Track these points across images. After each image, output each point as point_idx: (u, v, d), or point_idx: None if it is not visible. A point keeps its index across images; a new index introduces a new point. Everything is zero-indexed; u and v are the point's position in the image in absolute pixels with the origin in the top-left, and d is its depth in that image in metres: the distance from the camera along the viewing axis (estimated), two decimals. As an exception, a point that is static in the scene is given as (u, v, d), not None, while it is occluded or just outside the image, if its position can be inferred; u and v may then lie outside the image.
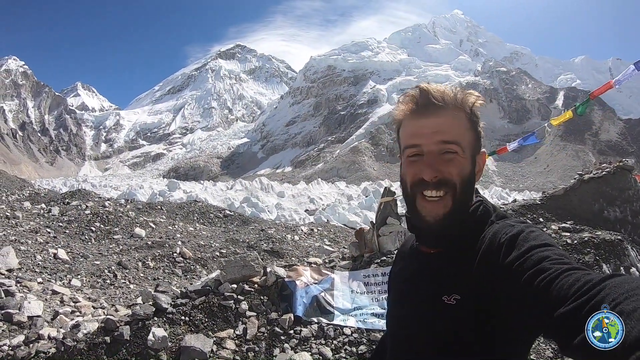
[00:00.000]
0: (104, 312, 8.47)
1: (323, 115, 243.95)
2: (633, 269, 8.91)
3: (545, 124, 5.67)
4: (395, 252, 1.90)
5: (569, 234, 10.03)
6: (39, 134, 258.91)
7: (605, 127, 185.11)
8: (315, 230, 20.60)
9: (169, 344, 5.78)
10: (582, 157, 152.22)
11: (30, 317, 7.35)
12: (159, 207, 21.51)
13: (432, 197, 1.33)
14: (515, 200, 13.61)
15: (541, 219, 11.23)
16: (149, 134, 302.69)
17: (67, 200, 18.92)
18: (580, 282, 0.92)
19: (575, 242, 9.55)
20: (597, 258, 9.07)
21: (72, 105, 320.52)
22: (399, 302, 1.53)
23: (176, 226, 17.85)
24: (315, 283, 7.45)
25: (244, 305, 6.70)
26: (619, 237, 9.76)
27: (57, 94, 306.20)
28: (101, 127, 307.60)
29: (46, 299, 8.69)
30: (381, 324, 6.87)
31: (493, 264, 1.19)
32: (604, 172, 12.12)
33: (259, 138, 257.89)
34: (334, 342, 6.48)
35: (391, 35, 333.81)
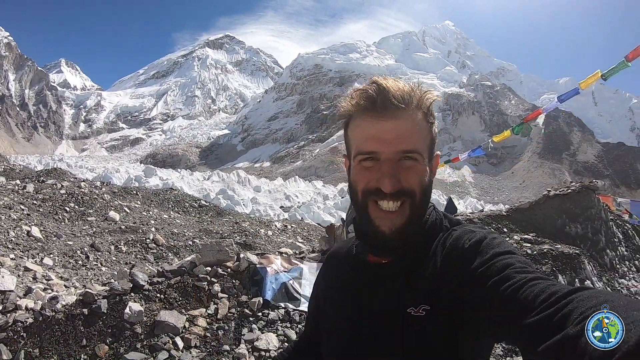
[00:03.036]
0: (76, 292, 8.55)
1: (306, 113, 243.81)
2: (587, 282, 9.38)
3: (489, 140, 6.33)
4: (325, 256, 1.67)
5: (529, 245, 10.48)
6: (18, 109, 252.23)
7: (583, 148, 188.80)
8: (289, 226, 20.69)
9: (144, 318, 6.06)
10: (558, 176, 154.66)
11: (2, 292, 7.40)
12: (135, 192, 21.40)
13: (389, 208, 1.25)
14: (482, 210, 13.93)
15: (505, 229, 11.62)
16: (129, 118, 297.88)
17: (42, 178, 18.74)
18: (546, 293, 0.93)
19: (535, 252, 9.97)
20: (554, 269, 9.51)
21: (54, 82, 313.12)
22: (341, 315, 1.43)
23: (151, 212, 17.81)
24: (285, 271, 7.82)
25: (217, 287, 7.04)
26: (577, 251, 10.24)
27: (39, 68, 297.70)
28: (81, 106, 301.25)
29: (19, 275, 8.75)
30: None
31: (458, 271, 1.17)
32: (569, 190, 12.56)
33: (239, 131, 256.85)
34: (299, 326, 6.88)
35: (381, 39, 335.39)
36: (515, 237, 11.04)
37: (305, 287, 7.75)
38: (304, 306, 7.27)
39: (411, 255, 1.30)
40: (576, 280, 9.62)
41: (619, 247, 12.73)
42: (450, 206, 20.85)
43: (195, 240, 14.42)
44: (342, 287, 1.47)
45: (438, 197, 53.78)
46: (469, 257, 1.17)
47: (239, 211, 28.84)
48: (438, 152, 1.37)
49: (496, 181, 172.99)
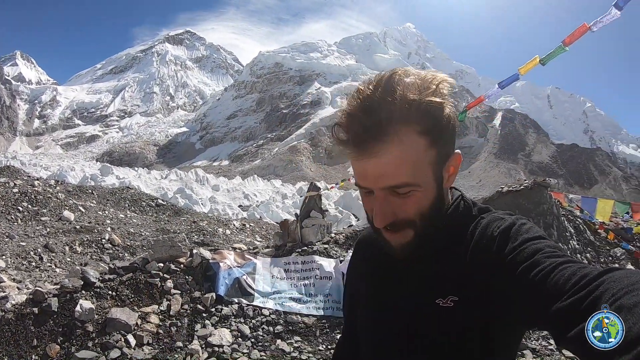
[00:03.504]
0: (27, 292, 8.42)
1: (265, 111, 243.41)
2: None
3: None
4: (356, 242, 1.35)
5: None
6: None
7: (538, 149, 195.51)
8: (248, 225, 20.64)
9: (96, 316, 6.05)
10: (514, 175, 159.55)
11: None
12: (90, 191, 21.00)
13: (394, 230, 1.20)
14: None
15: None
16: (85, 114, 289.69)
17: (-6, 176, 18.06)
18: (577, 276, 0.91)
19: None
20: None
21: (8, 75, 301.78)
22: (370, 307, 1.43)
23: (106, 212, 17.54)
24: (238, 266, 7.90)
25: (169, 284, 7.07)
26: None
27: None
28: (36, 101, 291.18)
29: (-31, 276, 8.49)
30: (298, 307, 7.53)
31: (487, 259, 1.13)
32: (522, 187, 12.79)
33: (198, 129, 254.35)
34: (253, 321, 7.01)
35: (342, 39, 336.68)
36: None
37: (259, 282, 7.82)
38: (258, 301, 7.42)
39: (438, 247, 1.25)
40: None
41: (571, 241, 13.00)
42: None
43: (152, 239, 14.10)
44: (370, 278, 1.44)
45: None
46: (497, 244, 1.13)
47: (197, 210, 28.60)
48: (456, 151, 1.21)
49: (455, 181, 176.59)
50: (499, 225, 1.17)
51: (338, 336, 6.87)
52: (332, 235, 9.97)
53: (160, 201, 23.00)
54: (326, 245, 9.28)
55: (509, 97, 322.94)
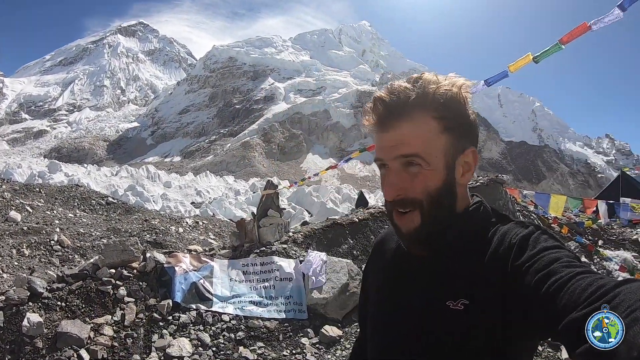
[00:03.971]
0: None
1: (218, 106, 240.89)
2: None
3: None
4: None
5: None
6: None
7: (488, 146, 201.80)
8: (201, 223, 20.35)
9: (45, 330, 5.70)
10: None
11: None
12: (38, 189, 20.10)
13: (402, 210, 1.27)
14: None
15: None
16: (33, 108, 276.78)
17: None
18: (593, 287, 0.90)
19: None
20: None
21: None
22: (383, 306, 1.45)
23: (55, 212, 16.84)
24: (195, 270, 7.59)
25: (122, 291, 6.70)
26: None
27: None
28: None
29: None
30: (259, 311, 7.28)
31: (503, 266, 1.15)
32: (478, 183, 13.10)
33: (149, 124, 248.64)
34: (213, 328, 6.72)
35: (297, 35, 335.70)
36: None
37: (217, 286, 7.55)
38: (217, 307, 7.17)
39: (455, 249, 1.28)
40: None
41: None
42: (362, 200, 21.37)
43: (103, 240, 13.75)
44: (385, 278, 1.47)
45: (349, 192, 54.90)
46: (515, 252, 1.14)
47: (148, 208, 28.10)
48: (472, 147, 1.30)
49: None
50: (518, 233, 1.19)
51: (302, 340, 6.85)
52: (291, 234, 9.78)
53: (110, 199, 22.37)
54: (285, 245, 9.07)
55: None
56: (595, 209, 11.54)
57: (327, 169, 9.92)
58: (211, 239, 16.81)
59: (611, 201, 11.29)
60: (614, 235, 14.21)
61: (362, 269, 8.61)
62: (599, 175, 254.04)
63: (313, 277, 7.94)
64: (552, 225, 13.22)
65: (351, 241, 10.05)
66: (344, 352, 6.73)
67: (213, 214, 31.59)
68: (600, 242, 13.23)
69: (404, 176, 1.23)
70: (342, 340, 7.08)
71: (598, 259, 11.40)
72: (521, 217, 14.03)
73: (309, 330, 7.17)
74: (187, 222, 19.66)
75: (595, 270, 1.07)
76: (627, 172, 23.15)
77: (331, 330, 7.09)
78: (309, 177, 11.55)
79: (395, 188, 1.24)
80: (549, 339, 1.18)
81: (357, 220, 10.63)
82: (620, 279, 0.92)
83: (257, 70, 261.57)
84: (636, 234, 14.25)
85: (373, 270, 1.60)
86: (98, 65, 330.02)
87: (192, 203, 40.38)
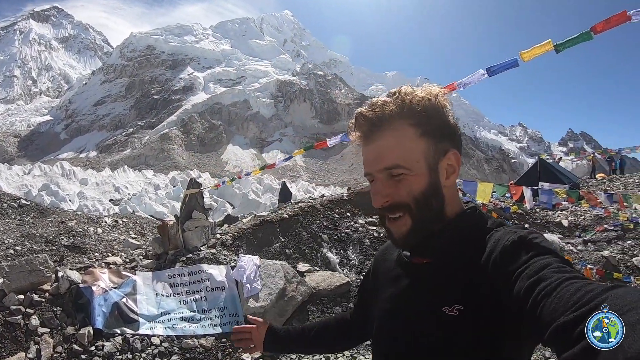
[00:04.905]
0: None
1: (135, 97, 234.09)
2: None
3: None
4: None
5: (375, 227, 10.88)
6: None
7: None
8: (120, 221, 19.26)
9: None
10: None
11: None
12: (-61, 192, 18.84)
13: (393, 217, 1.32)
14: (323, 195, 14.12)
15: (348, 214, 11.80)
16: None
17: None
18: (581, 292, 0.92)
19: (382, 235, 10.31)
20: None
21: None
22: (384, 313, 1.47)
23: (-40, 218, 15.70)
24: (115, 287, 6.81)
25: (35, 321, 5.87)
26: None
27: None
28: None
29: None
30: (192, 328, 6.68)
31: (496, 272, 1.17)
32: None
33: (63, 117, 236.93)
34: (143, 355, 6.02)
35: (218, 23, 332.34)
36: (360, 220, 11.34)
37: (142, 304, 6.82)
38: (144, 328, 6.46)
39: (450, 255, 1.31)
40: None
41: None
42: (285, 191, 21.33)
43: (17, 247, 12.82)
44: (388, 286, 1.49)
45: (270, 182, 55.13)
46: (508, 257, 1.16)
47: (64, 208, 26.85)
48: (454, 150, 1.34)
49: (326, 164, 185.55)
50: (511, 238, 1.20)
51: (243, 355, 6.38)
52: (218, 236, 9.19)
53: (23, 201, 20.96)
54: (213, 250, 8.47)
55: (380, 85, 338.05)
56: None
57: (262, 168, 9.19)
58: (132, 238, 16.18)
59: (535, 187, 11.90)
60: (538, 219, 14.88)
61: (297, 268, 8.63)
62: (513, 161, 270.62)
63: (247, 285, 7.49)
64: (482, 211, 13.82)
65: (282, 239, 9.79)
66: (290, 362, 6.38)
67: (133, 211, 30.79)
68: (526, 226, 13.80)
69: (389, 183, 1.29)
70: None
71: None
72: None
73: (249, 343, 6.83)
74: (106, 222, 18.69)
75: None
76: (544, 159, 24.55)
77: (273, 341, 6.82)
78: (240, 176, 11.25)
79: (382, 195, 1.30)
80: (540, 344, 1.06)
81: (287, 216, 10.42)
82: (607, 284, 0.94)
83: (176, 59, 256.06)
84: (558, 216, 15.00)
85: (375, 275, 1.65)
86: (8, 53, 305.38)
87: (111, 200, 39.32)
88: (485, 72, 3.93)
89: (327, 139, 6.07)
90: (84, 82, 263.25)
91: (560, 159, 33.62)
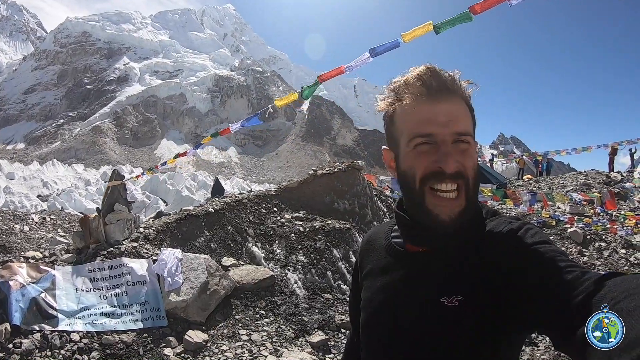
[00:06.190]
0: None
1: (67, 86, 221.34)
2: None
3: (270, 106, 6.03)
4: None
5: (301, 222, 11.08)
6: None
7: (342, 133, 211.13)
8: (48, 219, 18.95)
9: None
10: (319, 157, 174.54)
11: None
12: None
13: (447, 192, 1.23)
14: (251, 191, 14.13)
15: (275, 209, 11.92)
16: None
17: None
18: (579, 280, 0.95)
19: (308, 229, 10.53)
20: (328, 244, 10.20)
21: None
22: (378, 305, 1.42)
23: None
24: (34, 282, 6.60)
25: None
26: (347, 226, 11.23)
27: None
28: None
29: None
30: (112, 324, 6.58)
31: (493, 262, 1.18)
32: (336, 169, 13.58)
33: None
34: (62, 352, 5.87)
35: (158, 13, 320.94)
36: (286, 215, 11.53)
37: (61, 299, 6.66)
38: (63, 324, 6.33)
39: (451, 244, 1.28)
40: (350, 252, 10.47)
41: (384, 219, 14.18)
42: (218, 187, 21.20)
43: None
44: (378, 276, 1.46)
45: (205, 178, 54.49)
46: (504, 248, 1.19)
47: (-11, 204, 25.85)
48: (476, 140, 1.35)
49: (261, 162, 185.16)
50: (507, 228, 1.25)
51: (165, 351, 6.45)
52: (141, 230, 8.99)
53: (-55, 198, 20.33)
54: (135, 244, 8.31)
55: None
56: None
57: (175, 157, 8.93)
58: (60, 236, 15.93)
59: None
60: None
61: (221, 263, 8.68)
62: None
63: (169, 278, 7.37)
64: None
65: (207, 234, 9.70)
66: (212, 357, 6.44)
67: (62, 207, 30.05)
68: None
69: (457, 150, 1.24)
70: (209, 344, 6.71)
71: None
72: (379, 202, 15.02)
73: (171, 338, 6.67)
74: (33, 219, 18.24)
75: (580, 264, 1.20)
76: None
77: (195, 336, 6.70)
78: (157, 167, 10.62)
79: (455, 159, 1.22)
80: (538, 331, 1.13)
81: (212, 210, 10.33)
82: (603, 272, 0.99)
83: (112, 47, 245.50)
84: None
85: (363, 267, 1.60)
86: None
87: (39, 196, 38.12)
88: (369, 53, 4.00)
89: (230, 125, 6.04)
90: (14, 68, 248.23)
91: (490, 160, 35.44)
